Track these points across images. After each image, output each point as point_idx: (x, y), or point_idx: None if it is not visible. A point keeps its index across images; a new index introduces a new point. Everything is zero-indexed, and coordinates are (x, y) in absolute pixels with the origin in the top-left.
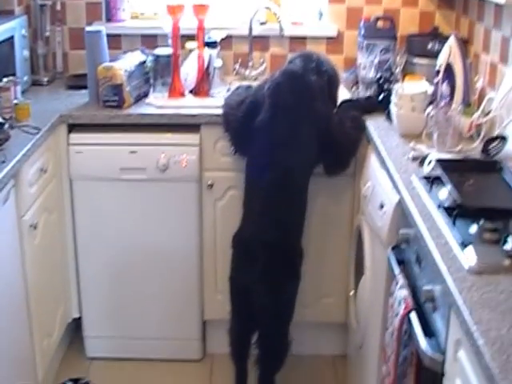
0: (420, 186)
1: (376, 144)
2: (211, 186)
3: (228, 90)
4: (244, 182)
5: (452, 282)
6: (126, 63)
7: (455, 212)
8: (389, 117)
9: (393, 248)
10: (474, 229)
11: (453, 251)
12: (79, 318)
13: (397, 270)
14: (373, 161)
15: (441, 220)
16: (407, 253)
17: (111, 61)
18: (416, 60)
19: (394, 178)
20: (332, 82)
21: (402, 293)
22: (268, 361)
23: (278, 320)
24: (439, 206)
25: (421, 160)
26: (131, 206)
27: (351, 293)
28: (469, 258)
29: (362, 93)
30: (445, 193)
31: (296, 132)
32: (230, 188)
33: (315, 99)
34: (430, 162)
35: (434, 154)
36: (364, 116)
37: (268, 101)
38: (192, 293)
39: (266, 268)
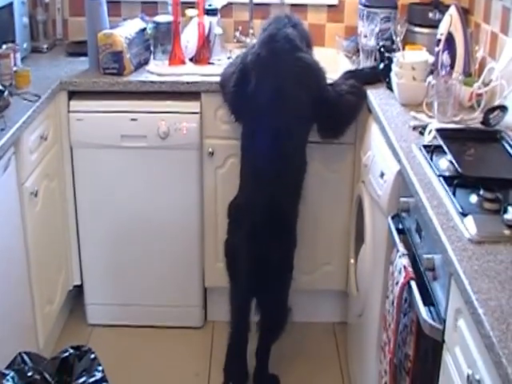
0: (420, 155)
1: (376, 113)
2: (212, 153)
3: (229, 58)
4: (240, 149)
5: (452, 251)
6: (126, 30)
7: (455, 181)
8: (389, 86)
9: (393, 217)
10: (474, 198)
11: (453, 220)
12: (80, 286)
13: (397, 238)
14: (373, 130)
15: (441, 189)
16: (407, 222)
17: (111, 28)
18: (417, 29)
19: (395, 146)
20: (307, 37)
21: (402, 261)
22: (265, 327)
23: (275, 285)
24: (439, 176)
25: (421, 129)
26: (132, 174)
27: (351, 261)
28: (469, 227)
29: (363, 61)
30: (445, 162)
31: (285, 93)
32: (230, 156)
33: (297, 49)
34: (430, 131)
35: (435, 124)
36: (365, 86)
37: (253, 72)
38: (193, 260)
39: (260, 231)
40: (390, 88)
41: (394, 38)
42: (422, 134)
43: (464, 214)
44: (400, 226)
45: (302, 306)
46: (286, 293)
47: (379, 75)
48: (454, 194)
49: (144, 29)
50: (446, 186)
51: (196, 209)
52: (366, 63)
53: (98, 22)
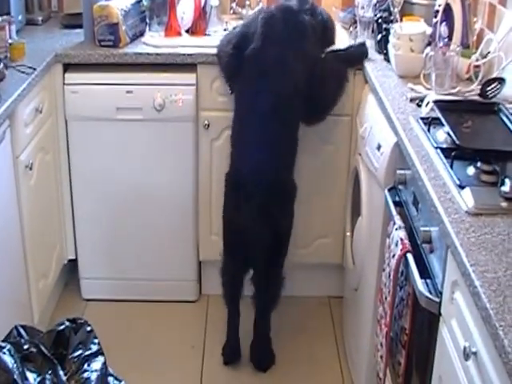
0: (418, 127)
1: (373, 84)
2: (207, 125)
3: (225, 30)
4: (233, 115)
5: (449, 224)
6: (121, 2)
7: (453, 153)
8: (387, 57)
9: (389, 189)
10: (471, 170)
11: (450, 192)
12: (75, 260)
13: (394, 211)
14: (370, 101)
15: (438, 161)
16: (404, 194)
17: None
18: (414, 0)
19: (392, 118)
20: (326, 29)
21: (398, 234)
22: (264, 297)
23: (273, 254)
24: (437, 148)
25: (419, 101)
26: (127, 146)
27: (348, 234)
28: (466, 199)
29: (360, 33)
30: (442, 134)
31: (285, 62)
32: (226, 128)
33: (305, 39)
34: (427, 103)
35: (432, 95)
36: (350, 69)
37: (260, 31)
38: (187, 234)
39: (259, 204)
40: (387, 60)
41: (392, 9)
42: (419, 106)
43: (461, 187)
44: (397, 199)
45: (297, 280)
46: (282, 262)
47: (365, 53)
48: (451, 166)
49: (140, 0)
50: (443, 158)
51: (191, 181)
52: (363, 35)
53: None
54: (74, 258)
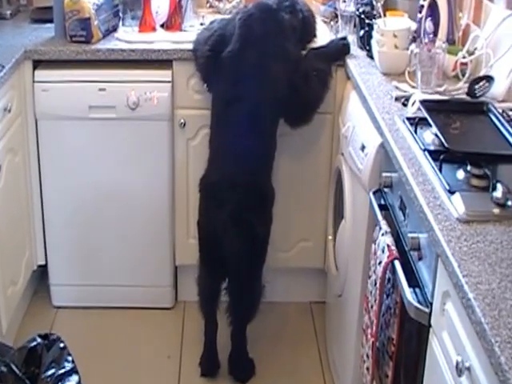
0: (404, 127)
1: (357, 82)
2: (183, 124)
3: (201, 24)
4: (210, 118)
5: (440, 232)
6: None
7: (441, 156)
8: (370, 53)
9: (374, 192)
10: (461, 174)
11: (440, 198)
12: (45, 265)
13: (379, 215)
14: (353, 99)
15: (427, 164)
16: (390, 198)
17: None
18: None
19: (377, 118)
20: (306, 24)
21: (385, 240)
22: (241, 307)
23: (250, 262)
24: (425, 150)
25: (404, 100)
26: (100, 147)
27: (329, 238)
28: (457, 205)
29: (341, 28)
30: (430, 135)
31: (264, 66)
32: (203, 127)
33: (286, 38)
34: (413, 103)
35: (418, 94)
36: (332, 66)
37: (238, 32)
38: (163, 237)
39: (236, 210)
40: (370, 56)
41: (375, 3)
42: (405, 105)
43: (451, 192)
44: (382, 202)
45: (278, 285)
46: (260, 269)
47: (347, 48)
48: (440, 169)
49: None
50: (431, 161)
51: (167, 182)
52: (345, 29)
53: None
54: (43, 263)
